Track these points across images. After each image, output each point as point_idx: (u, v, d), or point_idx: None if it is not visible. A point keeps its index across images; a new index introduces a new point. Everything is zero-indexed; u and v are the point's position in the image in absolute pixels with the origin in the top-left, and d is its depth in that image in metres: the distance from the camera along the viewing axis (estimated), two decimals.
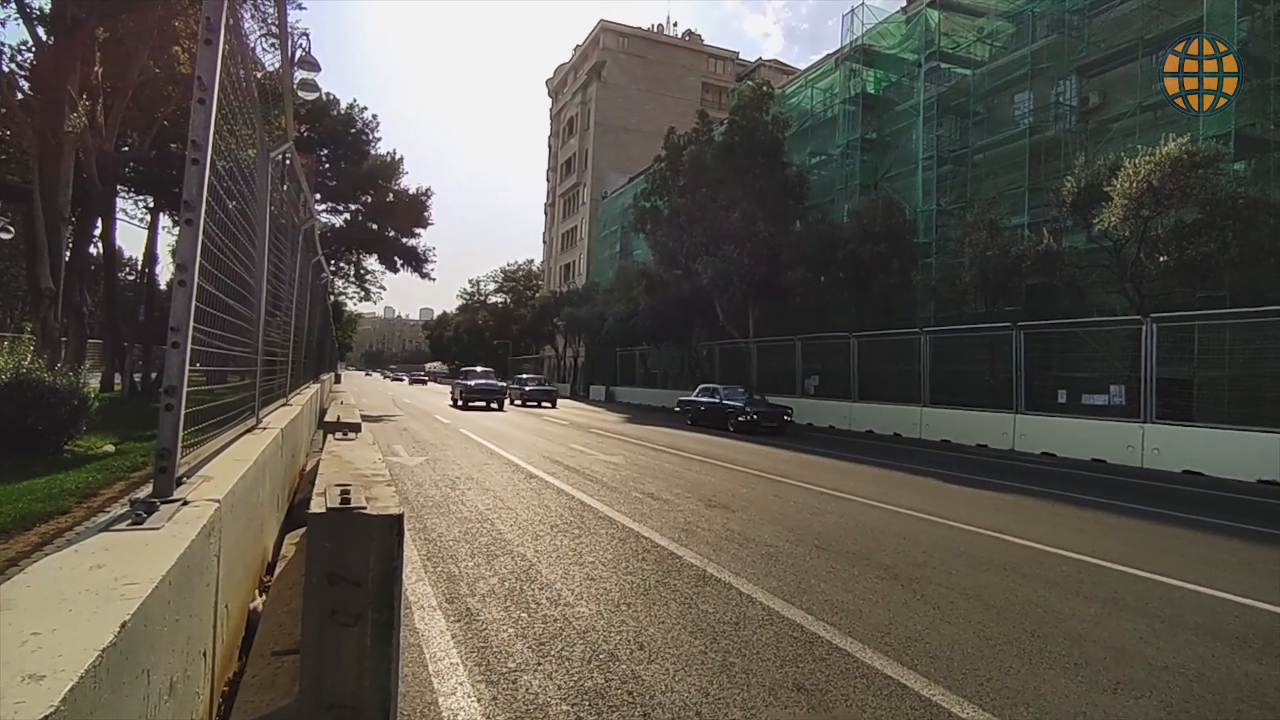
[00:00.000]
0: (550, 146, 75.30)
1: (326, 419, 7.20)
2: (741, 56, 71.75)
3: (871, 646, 3.53)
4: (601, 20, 65.76)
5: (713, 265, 24.30)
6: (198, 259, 2.15)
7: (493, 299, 73.87)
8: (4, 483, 6.31)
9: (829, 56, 30.31)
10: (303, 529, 3.34)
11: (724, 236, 24.47)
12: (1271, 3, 16.89)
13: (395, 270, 33.92)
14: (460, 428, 16.28)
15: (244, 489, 2.78)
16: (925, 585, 4.68)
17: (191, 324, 2.16)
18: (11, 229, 25.51)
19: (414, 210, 32.26)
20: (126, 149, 19.44)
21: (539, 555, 5.14)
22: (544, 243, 75.21)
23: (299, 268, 7.30)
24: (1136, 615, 4.23)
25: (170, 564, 1.55)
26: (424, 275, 33.56)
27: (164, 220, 25.18)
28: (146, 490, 2.09)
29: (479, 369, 28.90)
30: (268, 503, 3.96)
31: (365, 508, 1.90)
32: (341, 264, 33.34)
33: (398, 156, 31.91)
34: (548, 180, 75.39)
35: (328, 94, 28.17)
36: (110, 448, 9.02)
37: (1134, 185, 13.91)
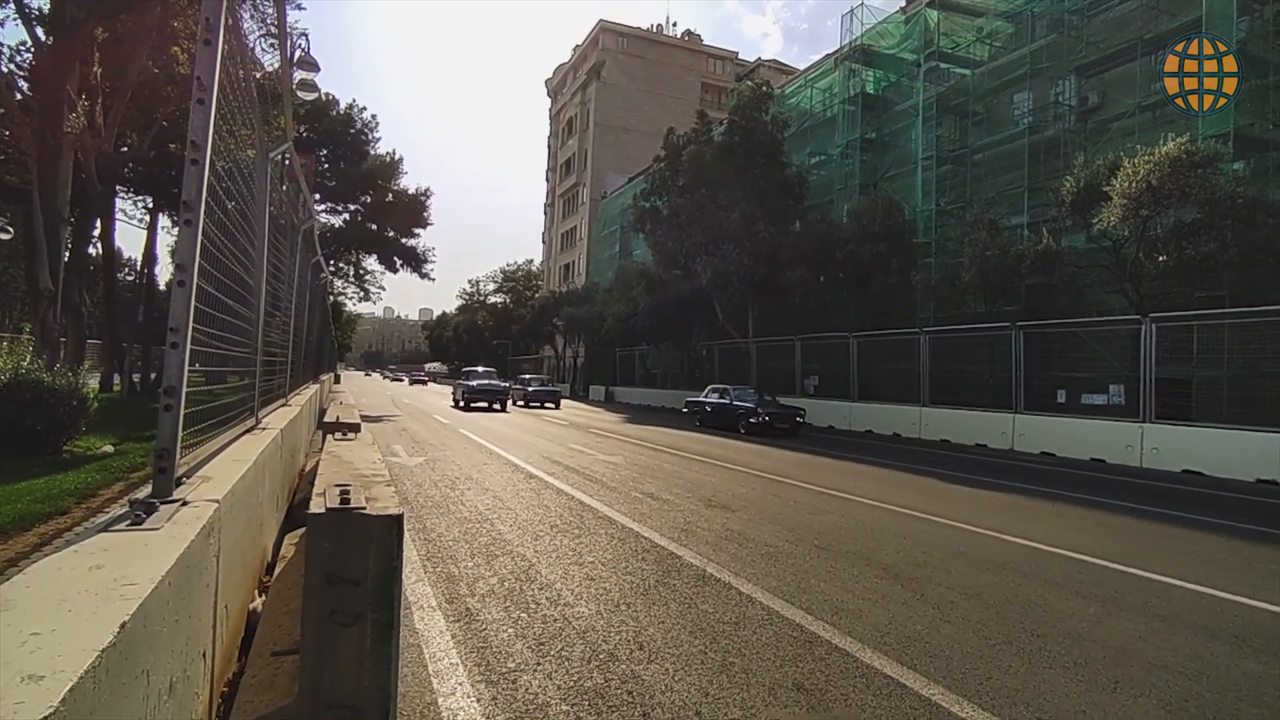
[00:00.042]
0: (550, 147, 75.31)
1: (326, 419, 7.19)
2: (741, 56, 71.79)
3: (871, 646, 3.53)
4: (601, 20, 65.74)
5: (712, 265, 24.26)
6: (197, 259, 2.15)
7: (492, 299, 73.77)
8: (3, 483, 6.30)
9: (828, 56, 30.32)
10: (302, 529, 3.34)
11: (723, 236, 24.44)
12: (1271, 2, 16.90)
13: (395, 270, 33.92)
14: (459, 428, 16.28)
15: (243, 489, 2.78)
16: (925, 585, 4.68)
17: (191, 324, 2.16)
18: (10, 229, 25.43)
19: (413, 210, 32.26)
20: (126, 149, 19.46)
21: (539, 555, 5.14)
22: (543, 243, 75.22)
23: (298, 268, 7.29)
24: (1136, 615, 4.24)
25: (169, 564, 1.55)
26: (423, 275, 33.56)
27: (163, 221, 25.21)
28: (146, 491, 2.09)
29: (481, 369, 28.57)
30: (267, 503, 3.96)
31: (365, 508, 1.90)
32: (341, 264, 33.29)
33: (397, 156, 31.97)
34: (547, 180, 75.41)
35: (327, 94, 28.19)
36: (109, 448, 9.01)
37: (1133, 185, 13.92)
